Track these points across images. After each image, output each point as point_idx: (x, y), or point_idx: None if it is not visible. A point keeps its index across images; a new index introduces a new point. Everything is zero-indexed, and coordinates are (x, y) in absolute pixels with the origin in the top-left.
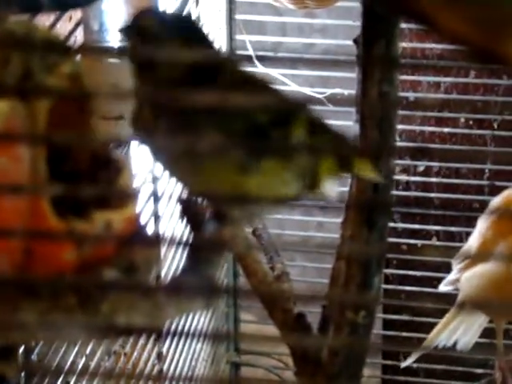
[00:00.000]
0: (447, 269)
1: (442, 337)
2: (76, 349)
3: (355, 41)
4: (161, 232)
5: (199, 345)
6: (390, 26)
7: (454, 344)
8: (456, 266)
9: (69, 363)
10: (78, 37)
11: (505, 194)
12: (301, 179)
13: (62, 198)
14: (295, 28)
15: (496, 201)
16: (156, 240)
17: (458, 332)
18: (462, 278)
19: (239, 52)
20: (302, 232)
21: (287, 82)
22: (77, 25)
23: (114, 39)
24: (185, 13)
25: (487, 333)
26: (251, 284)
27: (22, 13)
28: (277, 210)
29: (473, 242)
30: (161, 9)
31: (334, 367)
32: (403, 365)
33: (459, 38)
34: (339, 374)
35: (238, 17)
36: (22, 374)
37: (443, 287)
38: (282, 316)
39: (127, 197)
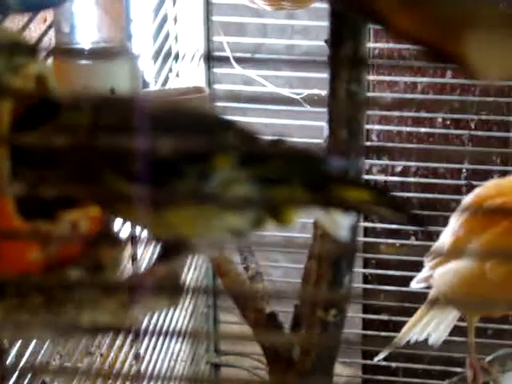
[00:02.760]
0: None
1: (414, 332)
2: (52, 349)
3: (326, 41)
4: (137, 232)
5: (178, 345)
6: (358, 26)
7: (426, 339)
8: (428, 264)
9: (45, 363)
10: (53, 38)
11: (476, 191)
12: (246, 209)
13: (28, 198)
14: (276, 29)
15: (468, 199)
16: (124, 239)
17: (430, 327)
18: (434, 275)
19: (217, 53)
20: (285, 233)
21: (265, 83)
22: (49, 27)
23: (84, 41)
24: (162, 13)
25: (464, 331)
26: (224, 284)
27: None
28: (233, 241)
29: (445, 239)
30: (135, 10)
31: (306, 365)
32: (376, 359)
33: (414, 38)
34: (311, 371)
35: (216, 18)
36: None
37: (415, 284)
38: (253, 315)
39: None
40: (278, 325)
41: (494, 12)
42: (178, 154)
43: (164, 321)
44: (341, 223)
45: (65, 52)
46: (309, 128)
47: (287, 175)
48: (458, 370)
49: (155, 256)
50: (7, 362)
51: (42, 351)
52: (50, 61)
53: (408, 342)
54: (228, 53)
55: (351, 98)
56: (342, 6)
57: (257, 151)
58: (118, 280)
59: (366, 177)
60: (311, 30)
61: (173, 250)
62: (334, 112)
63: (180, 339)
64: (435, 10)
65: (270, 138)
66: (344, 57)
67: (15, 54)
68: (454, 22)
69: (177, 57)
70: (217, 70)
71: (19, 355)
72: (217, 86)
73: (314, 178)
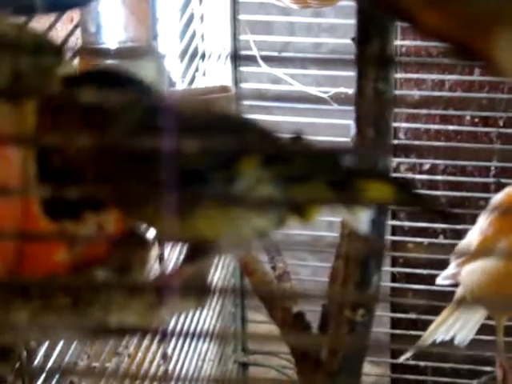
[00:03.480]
0: None
1: (440, 331)
2: (80, 349)
3: (353, 39)
4: None
5: (206, 345)
6: (385, 24)
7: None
8: (454, 261)
9: (72, 363)
10: (79, 38)
11: (507, 190)
12: (270, 210)
13: (54, 199)
14: (303, 28)
15: (498, 197)
16: (151, 240)
17: (456, 327)
18: (462, 272)
19: (243, 52)
20: (313, 232)
21: (292, 81)
22: (76, 26)
23: (110, 41)
24: (188, 12)
25: (494, 329)
26: (251, 283)
27: (15, 14)
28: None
29: (472, 237)
30: (161, 10)
31: (334, 365)
32: (401, 359)
33: (442, 36)
34: (339, 371)
35: (242, 17)
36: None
37: (441, 281)
38: (281, 315)
39: None
40: (306, 324)
41: None
42: (204, 160)
43: (192, 320)
44: (360, 217)
45: (91, 52)
46: (336, 126)
47: (310, 173)
48: (488, 369)
49: (182, 257)
50: (35, 363)
51: (70, 352)
52: (76, 61)
53: (435, 341)
54: (255, 51)
55: (378, 97)
56: (369, 4)
57: (281, 151)
58: (144, 281)
59: (394, 175)
60: (338, 28)
61: (199, 251)
62: (361, 110)
63: (208, 339)
64: (463, 7)
65: (289, 135)
66: (371, 55)
67: (41, 54)
68: (483, 19)
69: (203, 56)
70: (243, 69)
71: (47, 356)
72: (243, 85)
73: (336, 175)
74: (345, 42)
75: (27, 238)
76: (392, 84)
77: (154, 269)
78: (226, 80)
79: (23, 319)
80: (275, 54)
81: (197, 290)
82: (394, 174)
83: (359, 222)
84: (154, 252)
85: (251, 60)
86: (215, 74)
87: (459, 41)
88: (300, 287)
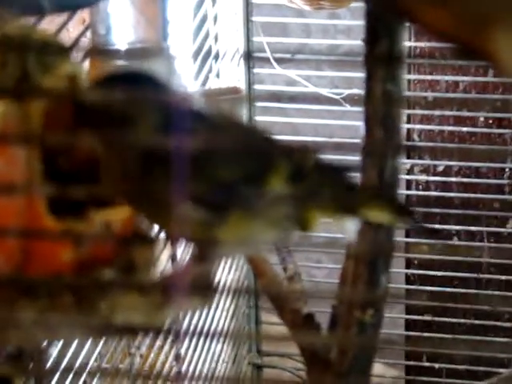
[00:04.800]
0: (469, 269)
1: None
2: (92, 350)
3: (363, 40)
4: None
5: (219, 346)
6: (393, 25)
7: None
8: None
9: (84, 364)
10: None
11: None
12: (281, 223)
13: (60, 198)
14: (319, 29)
15: None
16: (160, 239)
17: None
18: None
19: (257, 54)
20: (328, 234)
21: (306, 83)
22: (86, 28)
23: (120, 42)
24: (201, 13)
25: (507, 331)
26: (261, 284)
27: (24, 15)
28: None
29: None
30: (173, 10)
31: (343, 365)
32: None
33: (445, 35)
34: (349, 372)
35: (257, 19)
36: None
37: None
38: (291, 316)
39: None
40: (316, 325)
41: None
42: (236, 173)
43: (205, 321)
44: (348, 226)
45: (101, 53)
46: (349, 128)
47: (321, 189)
48: (502, 370)
49: (189, 256)
50: (49, 363)
51: (83, 353)
52: (87, 61)
53: (451, 342)
54: (268, 53)
55: (387, 97)
56: (375, 5)
57: (301, 167)
58: (150, 280)
59: (408, 177)
60: (354, 29)
61: (207, 252)
62: (370, 111)
63: (221, 340)
64: (462, 8)
65: (299, 148)
66: (379, 55)
67: (47, 53)
68: (481, 20)
69: (217, 57)
70: (258, 71)
71: (60, 357)
72: (258, 87)
73: (341, 190)
74: (361, 43)
75: (33, 237)
76: (401, 84)
77: (166, 269)
78: (240, 81)
79: (29, 318)
80: (289, 55)
81: (202, 289)
82: (408, 176)
83: (346, 231)
84: (167, 252)
85: (265, 62)
86: (229, 75)
87: (462, 40)
88: (315, 288)
